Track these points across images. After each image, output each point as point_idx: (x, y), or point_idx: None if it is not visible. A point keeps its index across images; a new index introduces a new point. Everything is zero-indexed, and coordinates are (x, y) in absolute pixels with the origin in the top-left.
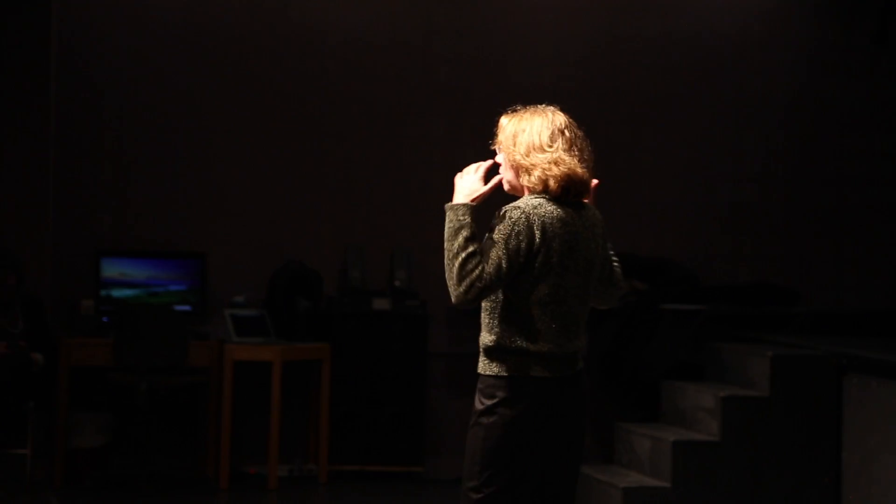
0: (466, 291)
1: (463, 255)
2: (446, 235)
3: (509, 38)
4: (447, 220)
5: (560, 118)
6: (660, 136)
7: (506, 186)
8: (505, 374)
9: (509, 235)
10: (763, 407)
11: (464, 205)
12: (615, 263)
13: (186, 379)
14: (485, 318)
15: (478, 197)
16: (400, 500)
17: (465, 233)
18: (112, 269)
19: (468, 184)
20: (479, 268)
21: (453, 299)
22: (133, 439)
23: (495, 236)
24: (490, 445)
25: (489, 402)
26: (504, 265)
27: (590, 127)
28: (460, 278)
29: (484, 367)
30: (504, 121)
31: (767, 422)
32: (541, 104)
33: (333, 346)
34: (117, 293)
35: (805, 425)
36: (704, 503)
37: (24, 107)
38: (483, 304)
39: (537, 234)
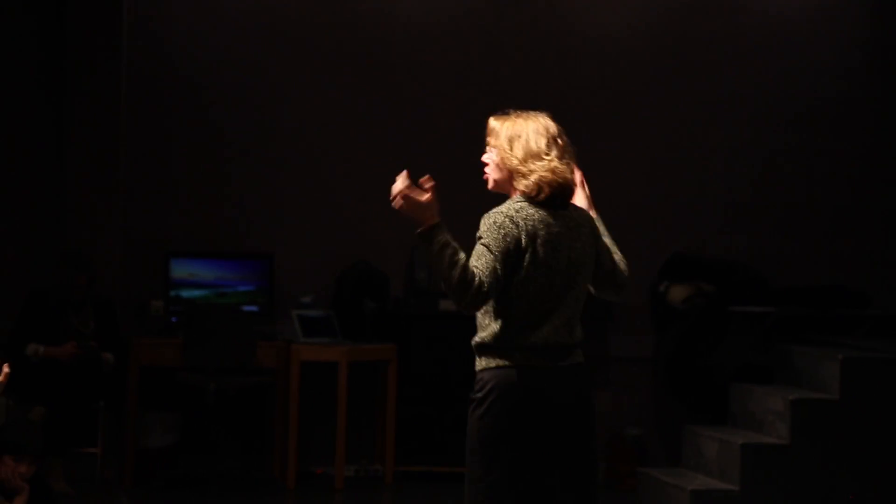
0: (473, 301)
1: (457, 271)
2: (433, 260)
3: (581, 33)
4: (428, 246)
5: (553, 126)
6: (730, 136)
7: (490, 184)
8: (493, 366)
9: (497, 238)
10: (833, 410)
11: (431, 226)
12: (617, 256)
13: (254, 379)
14: (478, 318)
15: (435, 208)
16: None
17: (448, 250)
18: (181, 269)
19: (419, 201)
20: (477, 278)
21: (461, 309)
22: (201, 439)
23: (485, 241)
24: (483, 436)
25: (479, 395)
26: (499, 268)
27: (655, 124)
28: (463, 292)
29: (478, 362)
30: (496, 124)
31: (837, 425)
32: (533, 111)
33: (400, 346)
34: (186, 293)
35: (875, 429)
36: None
37: (95, 108)
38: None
39: (522, 235)
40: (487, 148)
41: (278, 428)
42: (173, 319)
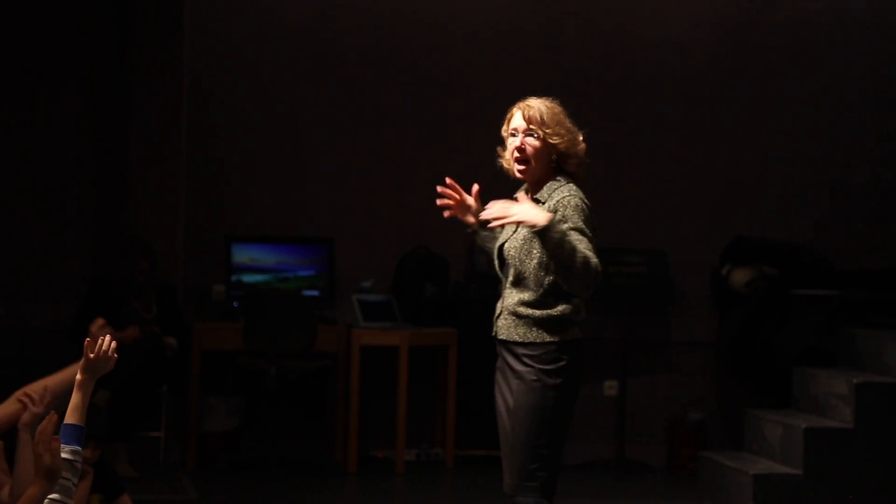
0: (596, 285)
1: (580, 259)
2: (555, 251)
3: (634, 23)
4: (551, 238)
5: None
6: (792, 118)
7: (522, 171)
8: (566, 339)
9: (586, 221)
10: None
11: (551, 220)
12: None
13: (315, 363)
14: (538, 295)
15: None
16: None
17: (568, 240)
18: (242, 254)
19: (530, 206)
20: (594, 262)
21: (585, 295)
22: (263, 423)
23: (576, 225)
24: (556, 404)
25: (554, 366)
26: (594, 247)
27: (718, 109)
28: (591, 278)
29: (540, 335)
30: (534, 112)
31: None
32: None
33: (460, 331)
34: (247, 278)
35: None
36: (837, 491)
37: (157, 95)
38: (532, 282)
39: (592, 214)
40: (515, 133)
41: (339, 412)
42: (235, 304)
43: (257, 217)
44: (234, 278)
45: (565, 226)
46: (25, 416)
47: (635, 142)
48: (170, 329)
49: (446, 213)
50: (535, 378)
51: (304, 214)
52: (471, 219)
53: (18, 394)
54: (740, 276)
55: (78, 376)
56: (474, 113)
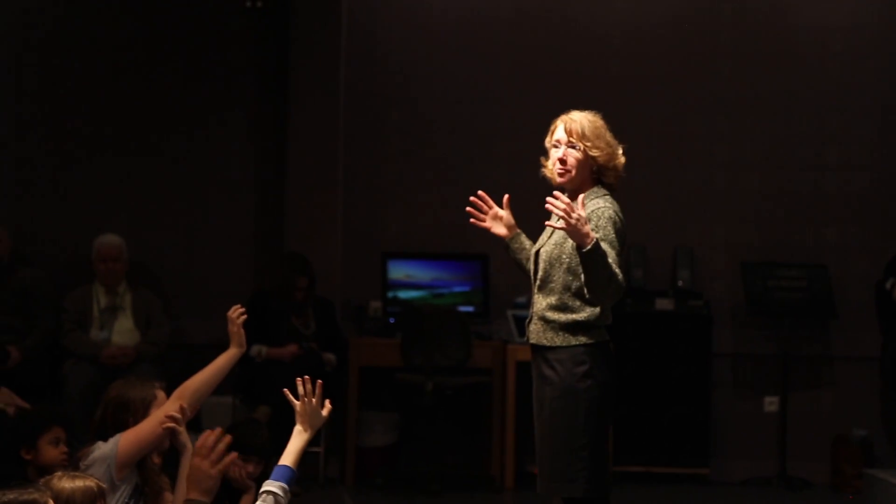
0: (619, 298)
1: (615, 278)
2: (598, 270)
3: (798, 33)
4: (595, 258)
5: None
6: None
7: (565, 180)
8: (591, 342)
9: (617, 234)
10: None
11: (596, 241)
12: None
13: (471, 379)
14: (565, 299)
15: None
16: (686, 502)
17: (609, 261)
18: (398, 271)
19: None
20: (620, 276)
21: (606, 304)
22: (420, 438)
23: (607, 238)
24: (589, 406)
25: (582, 369)
26: (620, 260)
27: (880, 120)
28: (615, 293)
29: (567, 339)
30: (575, 124)
31: None
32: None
33: (616, 346)
34: (403, 294)
35: None
36: None
37: (315, 114)
38: (559, 286)
39: (623, 226)
40: (557, 144)
41: (495, 427)
42: (391, 320)
43: (413, 234)
44: (390, 294)
45: (597, 235)
46: (181, 438)
47: (796, 151)
48: (328, 345)
49: (472, 221)
50: (564, 382)
51: (459, 231)
52: (503, 230)
53: (160, 418)
54: None
55: (297, 427)
56: (627, 126)
